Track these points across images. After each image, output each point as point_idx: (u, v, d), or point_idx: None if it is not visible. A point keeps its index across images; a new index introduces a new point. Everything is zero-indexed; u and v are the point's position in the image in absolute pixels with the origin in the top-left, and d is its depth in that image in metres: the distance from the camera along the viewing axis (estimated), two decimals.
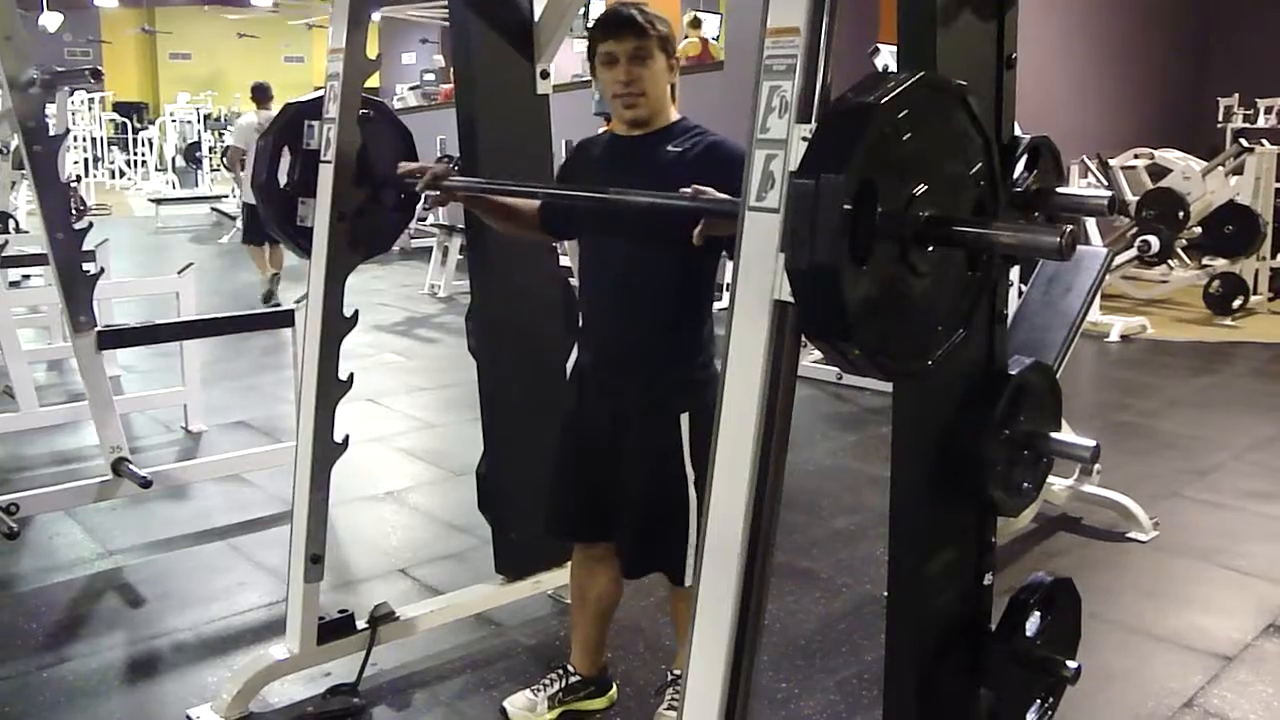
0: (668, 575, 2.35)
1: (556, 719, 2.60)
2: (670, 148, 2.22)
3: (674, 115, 2.30)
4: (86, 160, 19.44)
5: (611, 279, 2.32)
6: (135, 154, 21.49)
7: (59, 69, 3.77)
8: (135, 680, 2.83)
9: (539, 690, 2.61)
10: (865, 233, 1.28)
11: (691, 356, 2.28)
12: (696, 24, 10.74)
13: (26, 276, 7.64)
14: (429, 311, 8.61)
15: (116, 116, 21.79)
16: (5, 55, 3.50)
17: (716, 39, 10.91)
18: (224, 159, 14.35)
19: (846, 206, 1.25)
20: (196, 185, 19.41)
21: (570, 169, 2.46)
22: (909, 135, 1.32)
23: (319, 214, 2.54)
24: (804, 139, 1.37)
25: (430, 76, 17.59)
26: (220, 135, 19.74)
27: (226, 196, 17.14)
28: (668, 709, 2.52)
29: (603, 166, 2.33)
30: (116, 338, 4.17)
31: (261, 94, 9.15)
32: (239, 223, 14.04)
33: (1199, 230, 8.10)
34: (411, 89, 16.30)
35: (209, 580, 3.45)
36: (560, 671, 2.64)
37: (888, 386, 1.72)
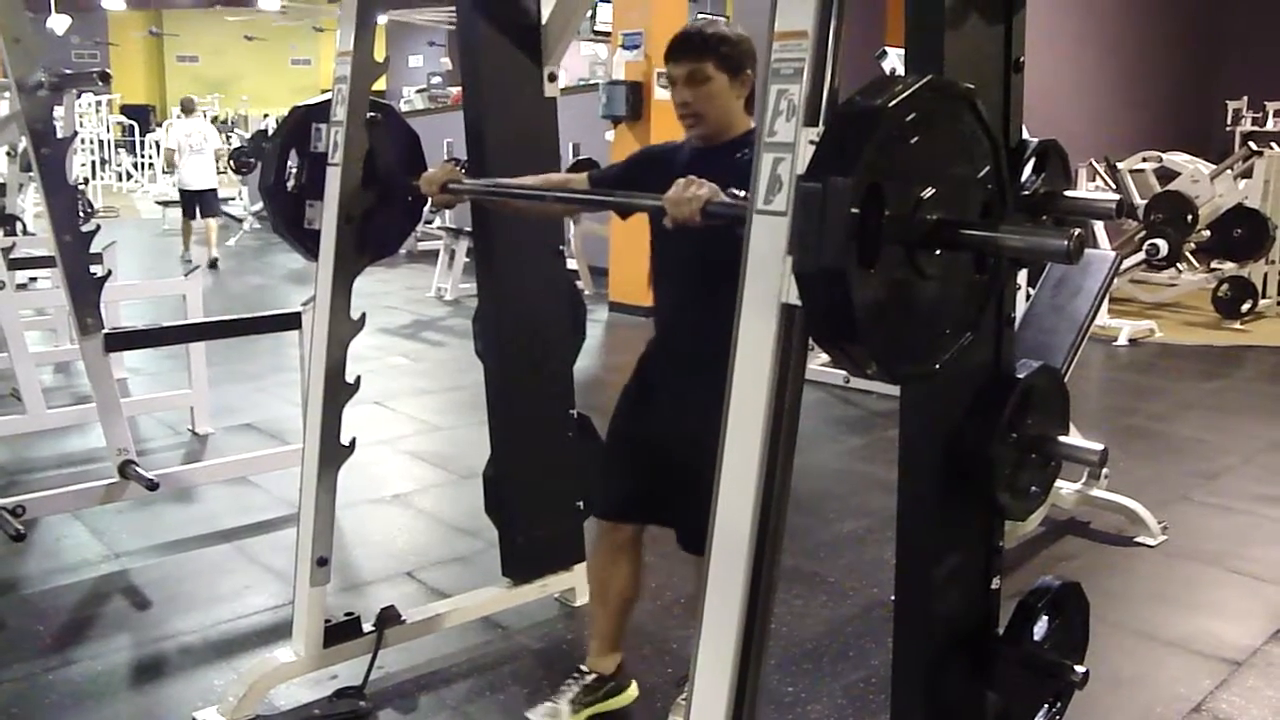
0: None
1: None
2: (737, 156, 2.22)
3: (747, 125, 2.30)
4: (94, 163, 19.49)
5: (671, 276, 2.40)
6: (142, 157, 21.55)
7: (67, 71, 3.77)
8: (141, 682, 2.83)
9: (560, 696, 2.60)
10: (873, 236, 1.27)
11: None
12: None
13: (33, 279, 7.66)
14: (436, 314, 8.62)
15: (124, 119, 21.85)
16: (14, 57, 3.51)
17: None
18: (230, 161, 15.04)
19: (854, 210, 1.25)
20: None
21: (640, 165, 2.47)
22: (916, 138, 1.32)
23: (326, 216, 2.54)
24: (811, 142, 1.37)
25: (437, 79, 17.63)
26: (228, 138, 19.80)
27: (233, 199, 17.19)
28: (685, 698, 2.52)
29: (677, 174, 2.33)
30: (124, 340, 4.17)
31: (187, 106, 11.70)
32: (245, 225, 14.30)
33: (1207, 234, 8.09)
34: (419, 92, 16.34)
35: (215, 583, 3.45)
36: (576, 674, 2.64)
37: (895, 390, 1.72)
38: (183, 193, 11.49)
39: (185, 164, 11.12)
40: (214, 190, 11.48)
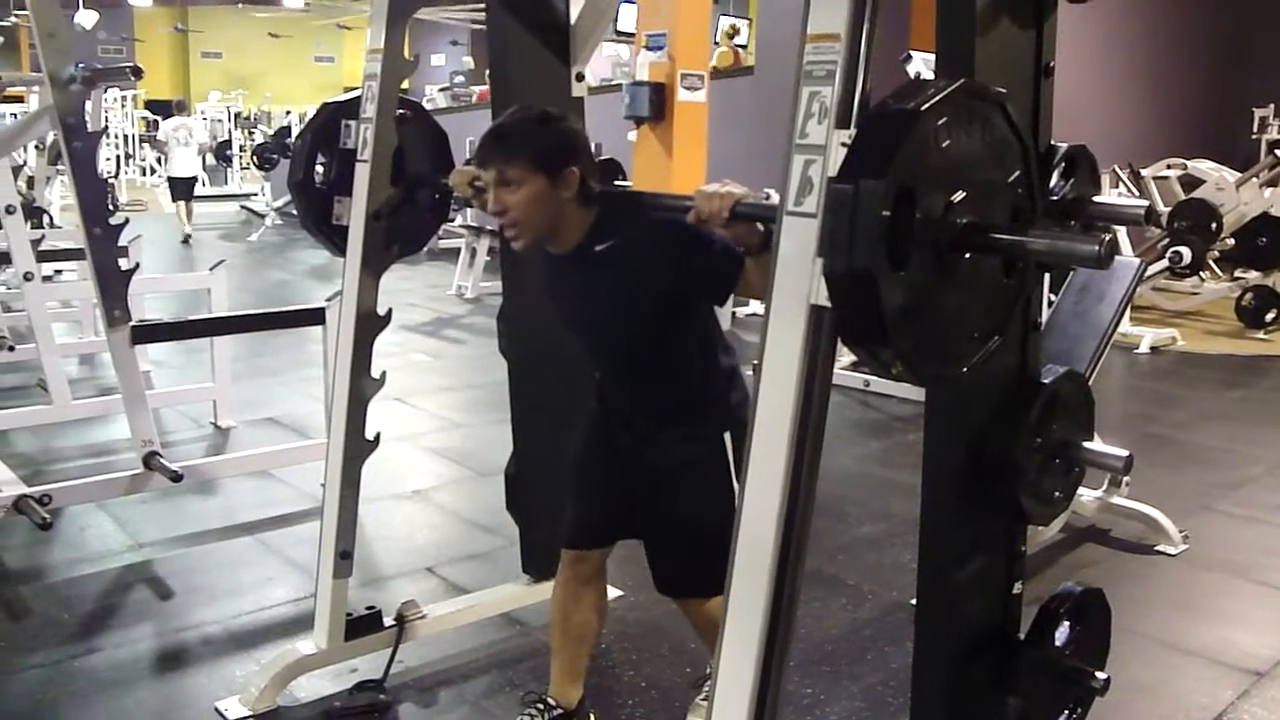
0: (707, 595, 2.26)
1: None
2: (602, 254, 2.13)
3: (585, 223, 2.12)
4: (118, 157, 19.64)
5: (609, 360, 2.38)
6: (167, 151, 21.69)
7: (99, 66, 3.80)
8: (164, 672, 2.86)
9: None
10: (903, 238, 1.28)
11: (711, 391, 2.26)
12: (734, 32, 10.78)
13: (59, 271, 7.72)
14: (456, 312, 8.66)
15: (148, 114, 22.01)
16: (48, 52, 3.54)
17: (745, 46, 10.93)
18: (253, 157, 15.71)
19: (885, 212, 1.25)
20: (227, 183, 19.59)
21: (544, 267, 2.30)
22: (948, 142, 1.32)
23: (355, 212, 2.56)
24: (843, 144, 1.38)
25: (460, 78, 17.68)
26: (251, 134, 19.94)
27: (256, 194, 17.31)
28: (704, 699, 2.51)
29: (557, 286, 2.28)
30: (150, 333, 4.20)
31: (179, 106, 14.33)
32: (267, 220, 14.43)
33: (1232, 242, 8.03)
34: (441, 90, 16.40)
35: (237, 574, 3.48)
36: (540, 706, 2.46)
37: (915, 394, 1.72)
38: (171, 179, 13.46)
39: (174, 155, 13.02)
40: (196, 178, 13.83)
